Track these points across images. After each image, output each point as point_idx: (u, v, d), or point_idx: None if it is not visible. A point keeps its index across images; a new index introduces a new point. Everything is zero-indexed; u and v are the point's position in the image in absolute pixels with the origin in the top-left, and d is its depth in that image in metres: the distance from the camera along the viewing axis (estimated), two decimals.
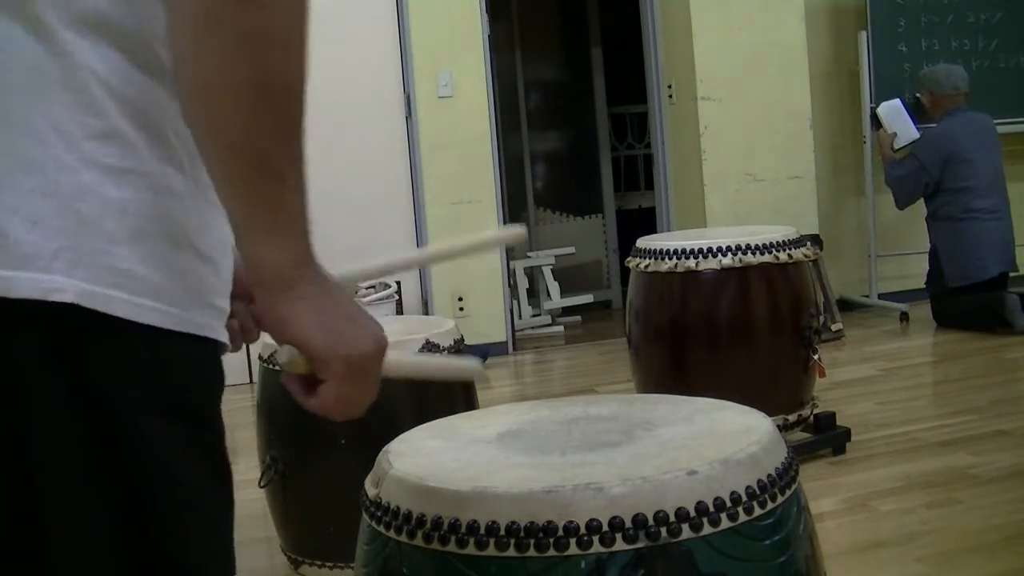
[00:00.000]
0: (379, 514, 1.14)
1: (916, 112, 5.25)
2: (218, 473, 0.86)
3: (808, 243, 3.20)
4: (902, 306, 5.39)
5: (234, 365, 4.85)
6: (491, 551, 1.04)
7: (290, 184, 0.77)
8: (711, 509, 1.04)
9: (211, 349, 0.85)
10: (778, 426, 1.25)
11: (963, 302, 4.98)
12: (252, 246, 0.78)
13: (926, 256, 5.24)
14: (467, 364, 1.39)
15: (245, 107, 0.74)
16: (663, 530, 1.03)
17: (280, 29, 0.74)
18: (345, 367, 0.82)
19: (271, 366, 2.48)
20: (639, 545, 1.02)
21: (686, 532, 1.03)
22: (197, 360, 0.83)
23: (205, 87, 0.74)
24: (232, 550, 0.88)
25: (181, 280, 0.81)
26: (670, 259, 3.06)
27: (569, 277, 6.33)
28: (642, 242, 3.24)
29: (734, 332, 3.07)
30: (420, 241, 5.22)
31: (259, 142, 0.75)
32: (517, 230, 1.23)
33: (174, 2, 0.74)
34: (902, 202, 5.25)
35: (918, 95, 5.29)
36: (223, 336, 0.86)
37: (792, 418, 3.11)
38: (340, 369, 0.82)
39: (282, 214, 0.78)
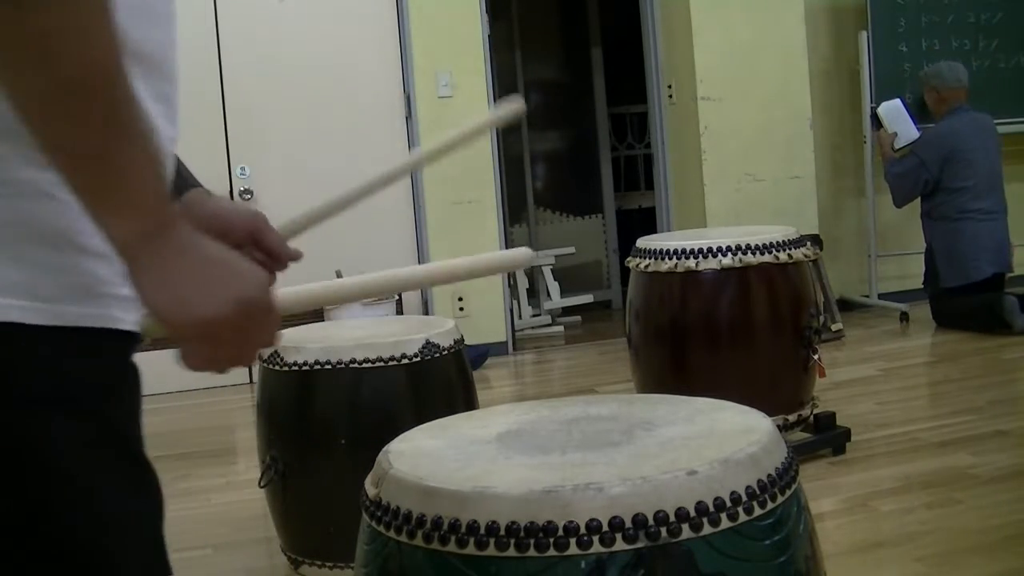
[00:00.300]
0: (379, 514, 1.14)
1: (916, 112, 5.25)
2: (124, 471, 0.86)
3: (808, 243, 3.20)
4: (902, 306, 5.40)
5: None
6: (491, 551, 1.04)
7: (118, 166, 0.77)
8: (711, 509, 1.04)
9: (112, 342, 0.85)
10: (778, 426, 1.25)
11: (961, 303, 4.99)
12: (98, 224, 0.79)
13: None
14: (508, 255, 1.21)
15: (48, 108, 0.74)
16: (663, 530, 1.03)
17: (67, 26, 0.72)
18: (194, 331, 0.82)
19: (270, 366, 2.48)
20: (639, 545, 1.02)
21: (686, 532, 1.03)
22: (86, 353, 0.83)
23: (7, 94, 0.74)
24: (157, 553, 0.88)
25: (58, 276, 0.81)
26: (670, 259, 3.06)
27: (569, 277, 6.33)
28: (642, 242, 3.24)
29: (734, 332, 3.07)
30: (420, 241, 5.23)
31: (73, 136, 0.75)
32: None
33: None
34: (900, 200, 5.25)
35: (921, 96, 5.30)
36: (128, 324, 0.86)
37: (792, 418, 3.11)
38: (190, 333, 0.82)
39: (116, 196, 0.78)
